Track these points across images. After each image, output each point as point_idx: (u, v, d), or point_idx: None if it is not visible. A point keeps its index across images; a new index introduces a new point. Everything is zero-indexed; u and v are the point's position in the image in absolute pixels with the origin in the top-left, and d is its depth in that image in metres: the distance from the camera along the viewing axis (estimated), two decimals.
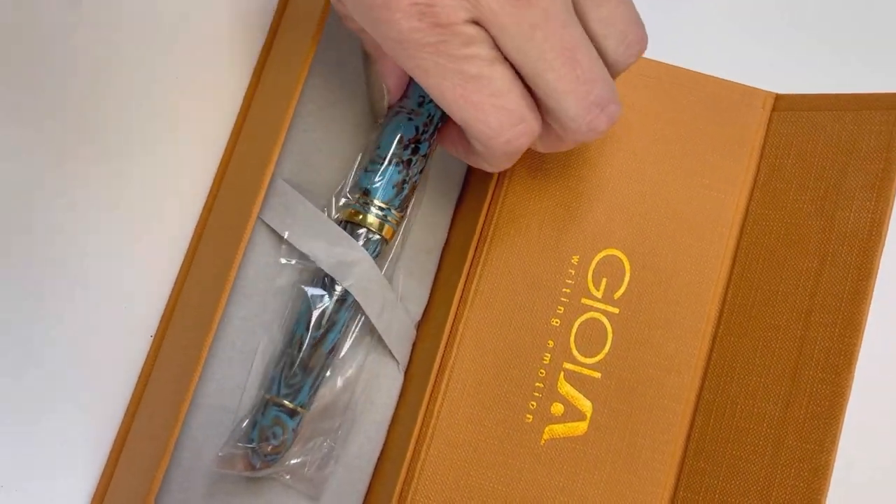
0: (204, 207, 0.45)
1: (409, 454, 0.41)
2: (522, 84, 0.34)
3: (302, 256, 0.41)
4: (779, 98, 0.44)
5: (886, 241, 0.39)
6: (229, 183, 0.43)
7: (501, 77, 0.33)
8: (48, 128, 0.43)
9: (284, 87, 0.39)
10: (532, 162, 0.43)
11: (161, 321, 0.43)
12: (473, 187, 0.44)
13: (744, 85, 0.44)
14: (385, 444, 0.42)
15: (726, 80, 0.44)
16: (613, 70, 0.36)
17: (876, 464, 0.49)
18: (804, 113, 0.43)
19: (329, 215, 0.41)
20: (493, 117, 0.34)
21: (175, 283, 0.44)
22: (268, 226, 0.41)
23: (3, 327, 0.42)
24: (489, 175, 0.43)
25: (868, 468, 0.48)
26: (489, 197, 0.43)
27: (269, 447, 0.39)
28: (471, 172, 0.45)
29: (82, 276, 0.43)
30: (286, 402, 0.39)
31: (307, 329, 0.39)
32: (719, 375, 0.42)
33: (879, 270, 0.39)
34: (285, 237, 0.40)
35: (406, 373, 0.43)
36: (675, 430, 0.42)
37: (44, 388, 0.42)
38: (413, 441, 0.41)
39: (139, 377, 0.43)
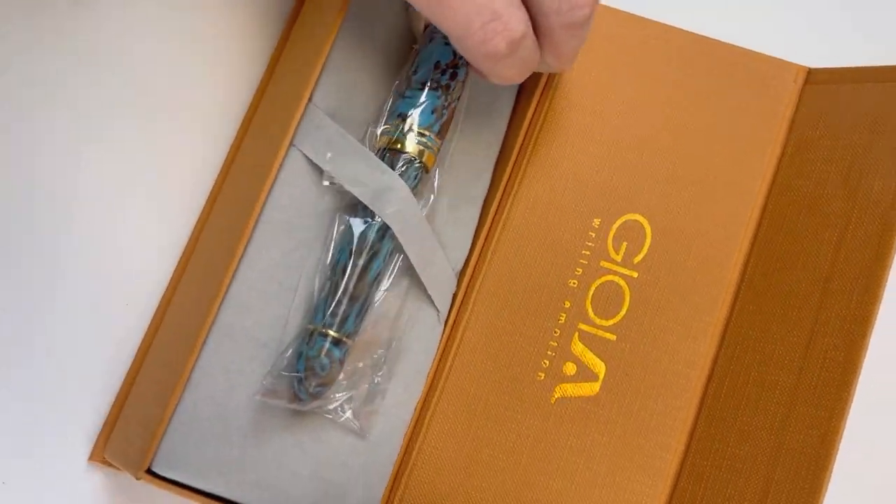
0: (234, 141, 0.45)
1: (419, 403, 0.41)
2: None
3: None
4: (811, 72, 0.44)
5: None
6: (263, 116, 0.43)
7: None
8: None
9: (323, 21, 0.39)
10: (560, 122, 0.44)
11: (186, 247, 0.44)
12: (508, 140, 0.44)
13: (777, 58, 0.44)
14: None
15: (759, 53, 0.44)
16: None
17: (886, 436, 0.47)
18: (834, 86, 0.43)
19: (367, 145, 0.40)
20: (465, 14, 0.33)
21: (200, 215, 0.44)
22: (305, 156, 0.40)
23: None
24: (520, 128, 0.43)
25: (878, 440, 0.47)
26: (516, 151, 0.43)
27: (317, 378, 0.37)
28: (509, 124, 0.45)
29: (111, 194, 0.44)
30: (332, 332, 0.38)
31: (350, 256, 0.39)
32: (735, 343, 0.41)
33: None
34: (323, 163, 0.40)
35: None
36: (688, 396, 0.41)
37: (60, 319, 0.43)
38: (424, 391, 0.41)
39: (159, 303, 0.44)
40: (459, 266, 0.43)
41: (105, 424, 0.42)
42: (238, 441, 0.38)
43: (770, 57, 0.44)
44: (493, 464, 0.41)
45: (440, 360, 0.42)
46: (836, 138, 0.42)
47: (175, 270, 0.44)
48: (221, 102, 0.46)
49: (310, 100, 0.40)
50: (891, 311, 0.39)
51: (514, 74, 0.37)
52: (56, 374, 0.42)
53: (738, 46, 0.44)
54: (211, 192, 0.45)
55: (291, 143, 0.39)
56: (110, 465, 0.41)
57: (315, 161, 0.40)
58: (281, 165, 0.38)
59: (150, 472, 0.38)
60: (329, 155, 0.39)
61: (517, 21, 0.34)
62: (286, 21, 0.47)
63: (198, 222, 0.45)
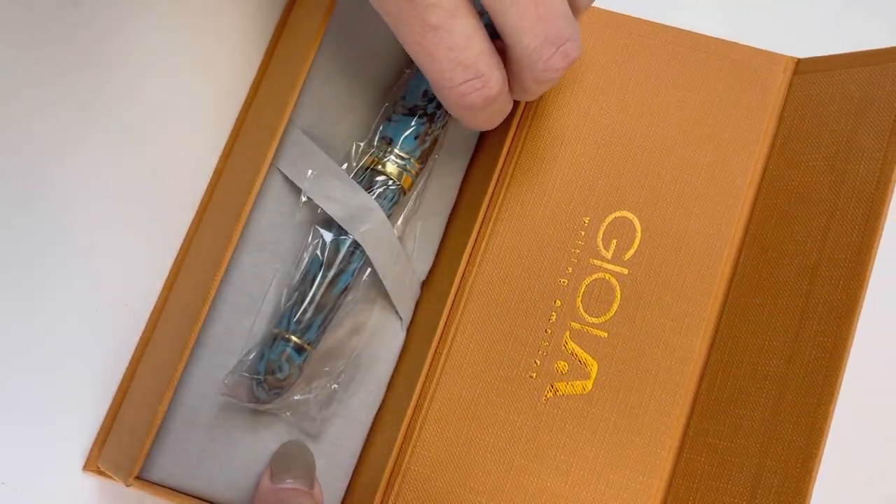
0: (220, 157, 0.46)
1: (411, 407, 0.41)
2: (487, 40, 0.35)
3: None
4: (800, 63, 0.43)
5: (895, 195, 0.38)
6: (246, 132, 0.45)
7: (462, 30, 0.34)
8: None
9: (305, 37, 0.40)
10: (548, 121, 0.44)
11: (178, 255, 0.45)
12: (487, 148, 0.45)
13: (765, 50, 0.44)
14: (385, 399, 0.43)
15: (746, 46, 0.44)
16: (576, 7, 0.36)
17: (875, 420, 0.46)
18: (821, 73, 0.42)
19: (350, 162, 0.43)
20: (448, 69, 0.35)
21: (187, 232, 0.45)
22: (284, 175, 0.42)
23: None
24: (503, 135, 0.43)
25: (868, 425, 0.46)
26: (504, 155, 0.43)
27: (275, 380, 0.39)
28: (484, 136, 0.46)
29: (93, 219, 0.44)
30: (294, 338, 0.40)
31: (320, 268, 0.40)
32: (728, 337, 0.41)
33: (886, 224, 0.37)
34: (301, 182, 0.41)
35: (409, 330, 0.44)
36: (682, 392, 0.41)
37: (54, 325, 0.43)
38: (416, 394, 0.41)
39: (148, 319, 0.45)
40: (423, 276, 0.45)
41: (100, 432, 0.43)
42: (209, 444, 0.41)
43: (758, 49, 0.44)
44: (486, 464, 0.41)
45: (432, 361, 0.42)
46: (823, 125, 0.41)
47: (167, 279, 0.45)
48: (216, 104, 0.47)
49: (290, 119, 0.41)
50: (878, 296, 0.38)
51: (485, 123, 0.39)
52: (50, 384, 0.43)
53: (725, 40, 0.44)
54: (202, 200, 0.46)
55: (272, 163, 0.41)
56: (104, 474, 0.42)
57: (293, 180, 0.42)
58: (262, 183, 0.40)
59: (139, 478, 0.39)
60: (308, 173, 0.41)
61: (496, 81, 0.36)
62: (276, 27, 0.48)
63: (189, 229, 0.46)
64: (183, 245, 0.45)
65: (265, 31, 0.48)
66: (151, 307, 0.45)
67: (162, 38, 0.46)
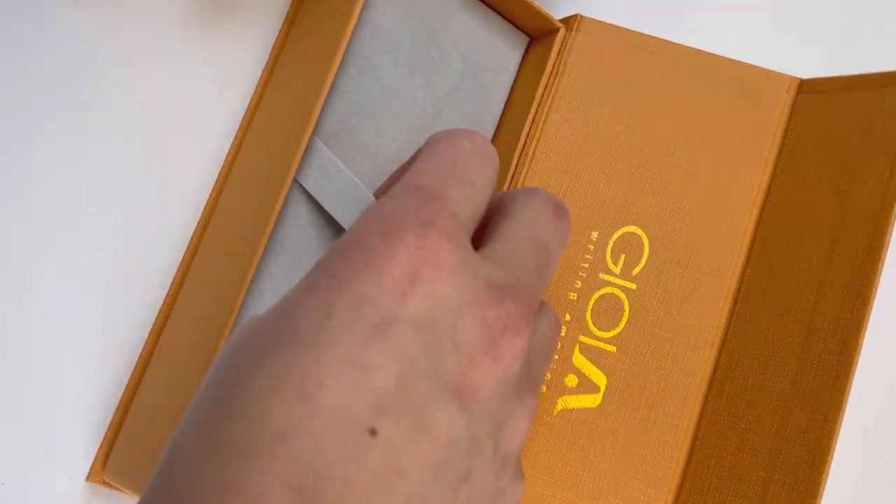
0: (227, 156, 0.46)
1: None
2: None
3: None
4: (803, 83, 0.44)
5: None
6: (261, 141, 0.45)
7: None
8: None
9: (328, 43, 0.41)
10: (555, 137, 0.45)
11: (179, 267, 0.45)
12: (504, 156, 0.45)
13: (769, 70, 0.45)
14: None
15: (751, 65, 0.45)
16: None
17: (880, 438, 0.47)
18: (825, 95, 0.43)
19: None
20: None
21: (189, 242, 0.45)
22: (302, 187, 0.41)
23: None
24: (511, 152, 0.44)
25: (873, 443, 0.47)
26: (511, 171, 0.44)
27: None
28: (505, 142, 0.46)
29: (94, 219, 0.44)
30: None
31: None
32: (734, 351, 0.42)
33: (891, 244, 0.39)
34: (322, 199, 0.41)
35: None
36: (689, 406, 0.42)
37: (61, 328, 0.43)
38: None
39: (155, 319, 0.45)
40: None
41: (103, 442, 0.43)
42: None
43: (762, 68, 0.45)
44: None
45: None
46: (827, 146, 0.42)
47: (172, 283, 0.45)
48: (221, 102, 0.46)
49: (314, 132, 0.41)
50: (883, 317, 0.39)
51: None
52: (50, 393, 0.43)
53: (730, 58, 0.45)
54: (206, 202, 0.46)
55: (294, 179, 0.41)
56: (109, 485, 0.43)
57: (315, 196, 0.41)
58: (284, 202, 0.40)
59: None
60: (327, 189, 0.41)
61: None
62: (283, 22, 0.48)
63: (194, 232, 0.46)
64: (189, 246, 0.45)
65: (272, 26, 0.48)
66: (155, 310, 0.45)
67: (166, 38, 0.46)
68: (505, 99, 0.46)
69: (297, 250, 0.42)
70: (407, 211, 0.30)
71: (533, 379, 0.32)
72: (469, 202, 0.32)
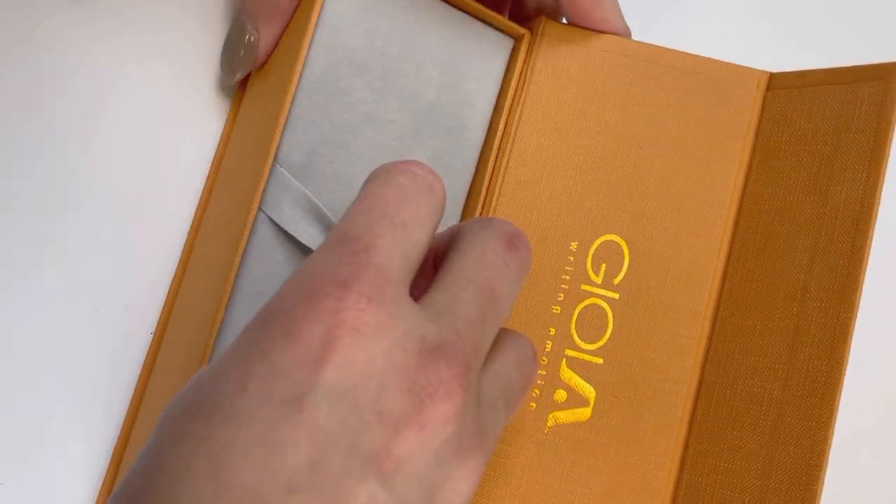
0: (215, 156, 0.46)
1: None
2: None
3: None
4: (773, 77, 0.44)
5: (879, 212, 0.39)
6: (228, 176, 0.44)
7: None
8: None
9: (283, 74, 0.40)
10: (527, 147, 0.44)
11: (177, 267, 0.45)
12: (477, 170, 0.45)
13: (737, 65, 0.44)
14: None
15: (719, 61, 0.44)
16: None
17: (875, 437, 0.48)
18: (797, 90, 0.43)
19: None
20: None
21: (173, 278, 0.45)
22: (268, 217, 0.41)
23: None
24: (484, 167, 0.43)
25: (868, 441, 0.47)
26: (486, 185, 0.43)
27: None
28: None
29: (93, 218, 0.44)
30: None
31: None
32: (720, 356, 0.42)
33: (873, 242, 0.38)
34: (292, 229, 0.40)
35: None
36: (679, 413, 0.42)
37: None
38: None
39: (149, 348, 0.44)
40: None
41: (109, 467, 0.43)
42: None
43: (730, 64, 0.44)
44: (490, 496, 0.41)
45: None
46: (802, 144, 0.42)
47: (172, 282, 0.45)
48: (211, 100, 0.46)
49: (275, 159, 0.40)
50: (874, 316, 0.39)
51: None
52: (50, 393, 0.43)
53: (698, 55, 0.44)
54: (199, 200, 0.46)
55: (267, 215, 0.40)
56: None
57: (281, 225, 0.40)
58: (251, 231, 0.39)
59: None
60: (293, 216, 0.40)
61: None
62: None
63: (189, 231, 0.46)
64: (186, 245, 0.45)
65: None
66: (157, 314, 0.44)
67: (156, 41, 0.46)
68: (492, 109, 0.45)
69: (273, 287, 0.41)
70: (328, 270, 0.29)
71: (481, 434, 0.30)
72: (403, 248, 0.30)
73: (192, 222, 0.45)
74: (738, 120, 0.44)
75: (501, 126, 0.44)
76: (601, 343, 0.42)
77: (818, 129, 0.42)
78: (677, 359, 0.42)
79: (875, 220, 0.39)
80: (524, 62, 0.45)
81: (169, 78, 0.46)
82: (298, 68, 0.39)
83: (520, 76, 0.44)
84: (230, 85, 0.46)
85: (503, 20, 0.44)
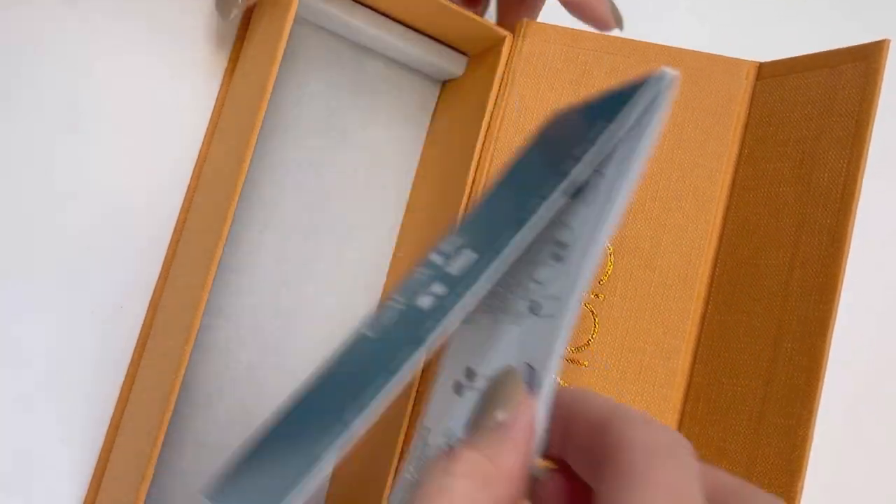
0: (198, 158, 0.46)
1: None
2: None
3: None
4: (762, 67, 0.42)
5: (861, 197, 0.37)
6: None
7: None
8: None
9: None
10: (510, 154, 0.43)
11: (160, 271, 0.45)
12: (459, 175, 0.45)
13: (726, 57, 0.43)
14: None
15: (708, 53, 0.43)
16: None
17: (858, 436, 0.45)
18: (784, 77, 0.41)
19: None
20: None
21: (153, 295, 0.45)
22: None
23: None
24: (465, 173, 0.43)
25: (851, 441, 0.45)
26: (469, 186, 0.43)
27: None
28: (448, 177, 0.46)
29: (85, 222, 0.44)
30: None
31: None
32: (708, 357, 0.40)
33: (854, 231, 0.37)
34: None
35: None
36: (668, 416, 0.40)
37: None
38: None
39: (123, 381, 0.44)
40: None
41: (95, 471, 0.43)
42: None
43: (719, 56, 0.43)
44: None
45: (412, 409, 0.42)
46: (787, 133, 0.40)
47: (146, 314, 0.45)
48: (192, 105, 0.46)
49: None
50: (855, 310, 0.37)
51: None
52: (49, 392, 0.43)
53: (685, 49, 0.43)
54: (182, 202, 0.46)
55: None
56: None
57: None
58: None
59: None
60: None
61: None
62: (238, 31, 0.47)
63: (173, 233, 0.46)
64: (168, 250, 0.45)
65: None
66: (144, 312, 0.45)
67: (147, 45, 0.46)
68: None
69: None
70: None
71: None
72: None
73: (174, 228, 0.45)
74: (728, 112, 0.42)
75: (484, 128, 0.43)
76: (586, 345, 0.41)
77: (803, 116, 0.40)
78: (665, 360, 0.41)
79: (856, 206, 0.37)
80: (506, 65, 0.44)
81: (155, 74, 0.46)
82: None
83: (502, 79, 0.44)
84: (227, 21, 0.45)
85: (483, 22, 0.43)
